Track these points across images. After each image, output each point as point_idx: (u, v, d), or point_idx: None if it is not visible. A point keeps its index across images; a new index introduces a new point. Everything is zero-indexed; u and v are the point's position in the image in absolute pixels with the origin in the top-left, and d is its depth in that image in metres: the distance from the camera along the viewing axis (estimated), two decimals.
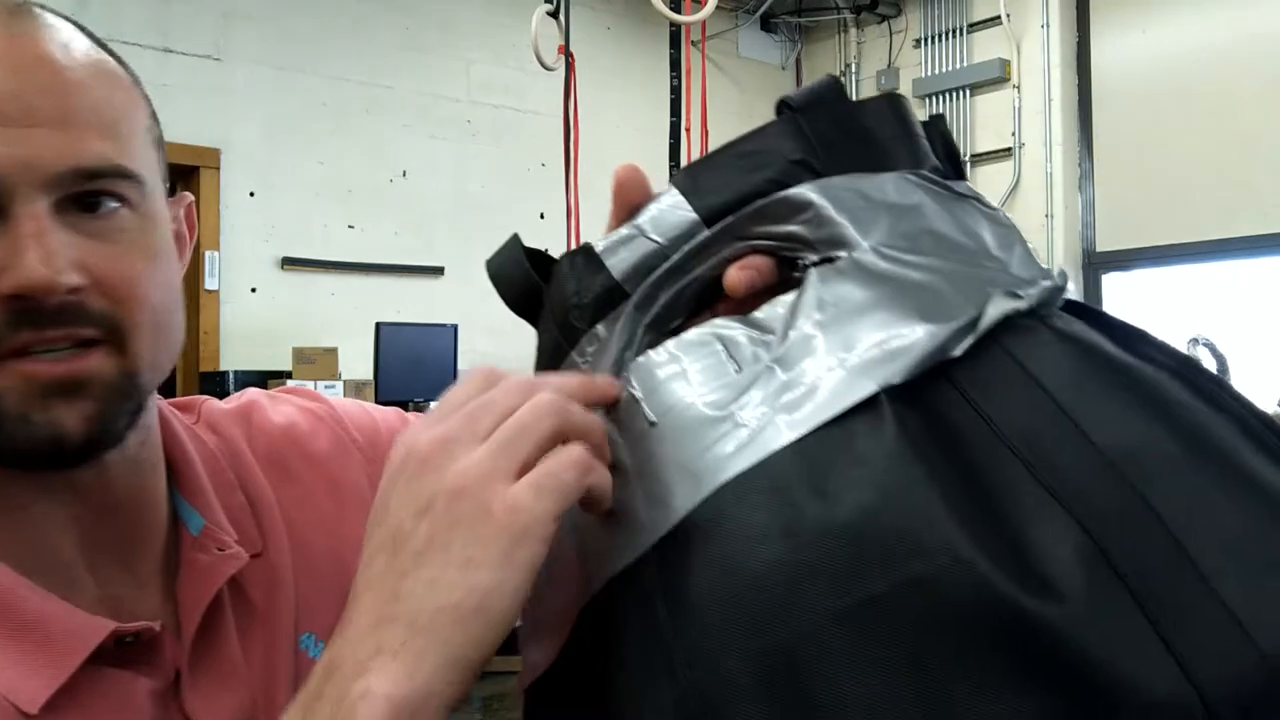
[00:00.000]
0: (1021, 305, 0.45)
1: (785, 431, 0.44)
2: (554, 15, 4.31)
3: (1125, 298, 5.85)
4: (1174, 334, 5.05)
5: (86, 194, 0.58)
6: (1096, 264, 5.89)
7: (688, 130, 4.50)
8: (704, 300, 0.53)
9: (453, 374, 4.86)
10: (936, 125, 0.56)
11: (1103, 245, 5.88)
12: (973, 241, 0.50)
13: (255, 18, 5.07)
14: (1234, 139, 5.31)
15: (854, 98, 0.52)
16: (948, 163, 0.55)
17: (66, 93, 0.57)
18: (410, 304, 5.41)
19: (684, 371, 0.48)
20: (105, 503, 0.62)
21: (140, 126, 0.63)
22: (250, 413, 0.76)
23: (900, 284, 0.47)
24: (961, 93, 6.22)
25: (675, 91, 4.48)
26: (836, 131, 0.52)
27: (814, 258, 0.49)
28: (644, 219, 0.53)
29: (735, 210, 0.51)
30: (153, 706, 0.60)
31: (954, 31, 6.27)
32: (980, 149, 6.16)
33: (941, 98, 6.30)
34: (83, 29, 0.63)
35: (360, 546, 0.47)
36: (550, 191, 5.44)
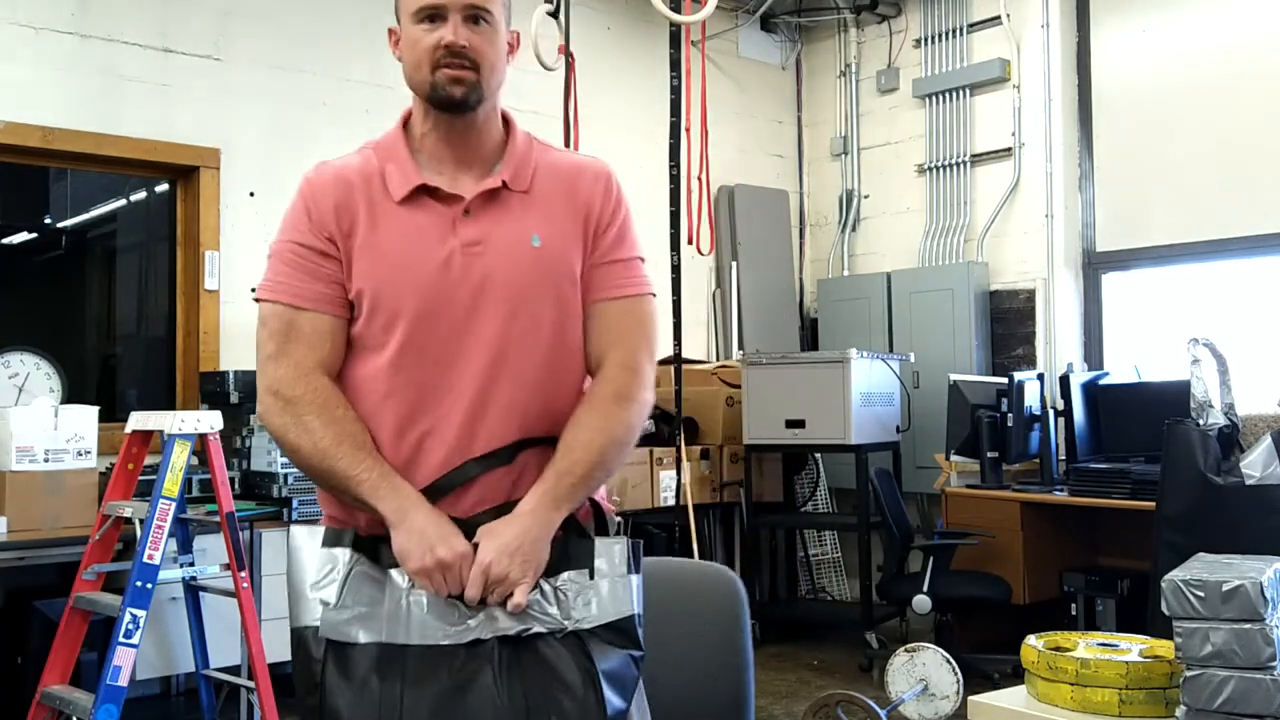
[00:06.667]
0: None
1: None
2: (554, 15, 4.32)
3: (1125, 298, 5.85)
4: (1174, 334, 5.05)
5: (474, 16, 1.56)
6: (1096, 264, 5.89)
7: (687, 130, 4.50)
8: None
9: None
10: None
11: (1103, 245, 5.87)
12: None
13: (255, 18, 5.07)
14: (1234, 139, 5.31)
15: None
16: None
17: None
18: None
19: None
20: (466, 140, 1.61)
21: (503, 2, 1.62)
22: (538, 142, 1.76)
23: None
24: (961, 93, 6.22)
25: (675, 91, 4.48)
26: None
27: None
28: None
29: None
30: (441, 223, 1.56)
31: (954, 31, 6.27)
32: (980, 149, 6.16)
33: (941, 98, 6.30)
34: None
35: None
36: None
